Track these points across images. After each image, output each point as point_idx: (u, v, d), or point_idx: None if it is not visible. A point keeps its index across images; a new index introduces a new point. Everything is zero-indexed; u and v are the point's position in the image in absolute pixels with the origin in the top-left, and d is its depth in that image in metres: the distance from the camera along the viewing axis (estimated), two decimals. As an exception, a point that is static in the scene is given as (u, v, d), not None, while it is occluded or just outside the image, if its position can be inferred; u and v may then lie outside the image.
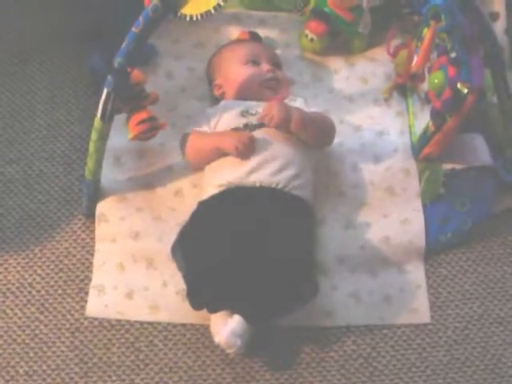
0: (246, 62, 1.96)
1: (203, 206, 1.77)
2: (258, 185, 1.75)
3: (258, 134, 1.81)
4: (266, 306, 1.65)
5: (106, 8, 2.04)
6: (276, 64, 2.00)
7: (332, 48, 2.16)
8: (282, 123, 1.78)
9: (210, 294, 1.65)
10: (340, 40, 2.15)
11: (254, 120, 1.83)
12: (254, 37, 2.10)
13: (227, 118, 1.86)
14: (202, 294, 1.65)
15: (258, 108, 1.86)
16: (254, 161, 1.77)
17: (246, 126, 1.83)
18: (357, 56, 2.16)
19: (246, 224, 1.69)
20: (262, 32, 2.14)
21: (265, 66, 1.96)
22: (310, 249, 1.75)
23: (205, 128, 1.88)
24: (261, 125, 1.82)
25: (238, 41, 2.08)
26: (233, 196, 1.75)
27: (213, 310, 1.66)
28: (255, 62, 1.97)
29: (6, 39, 2.19)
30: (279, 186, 1.75)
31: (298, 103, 1.93)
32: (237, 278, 1.63)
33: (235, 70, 1.96)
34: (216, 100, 1.98)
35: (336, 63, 2.15)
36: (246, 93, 1.92)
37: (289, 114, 1.79)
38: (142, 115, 1.81)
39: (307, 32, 2.13)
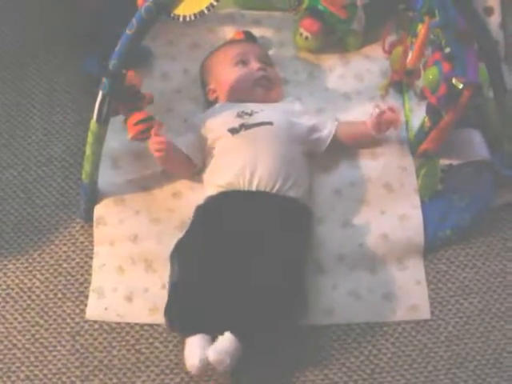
0: (236, 63, 1.97)
1: (199, 212, 1.78)
2: (254, 189, 1.76)
3: (255, 133, 1.83)
4: (254, 325, 1.64)
5: (101, 11, 2.04)
6: (266, 62, 2.00)
7: (327, 46, 2.16)
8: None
9: (193, 312, 1.64)
10: (335, 38, 2.15)
11: (249, 120, 1.84)
12: (249, 36, 2.10)
13: (223, 120, 1.87)
14: (181, 310, 1.64)
15: (254, 108, 1.87)
16: (250, 160, 1.78)
17: (242, 126, 1.83)
18: (352, 53, 2.16)
19: (239, 238, 1.70)
20: (257, 31, 2.14)
21: (254, 65, 1.96)
22: (303, 268, 1.73)
23: (189, 134, 1.89)
24: (257, 124, 1.83)
25: (227, 42, 2.08)
26: (229, 202, 1.76)
27: (189, 331, 1.63)
28: (244, 62, 1.97)
29: (2, 43, 2.19)
30: (275, 190, 1.76)
31: (296, 106, 1.94)
32: (225, 296, 1.63)
33: (226, 72, 1.97)
34: (210, 104, 1.99)
35: (331, 61, 2.15)
36: (239, 94, 1.93)
37: None
38: (140, 115, 1.81)
39: (302, 30, 2.13)
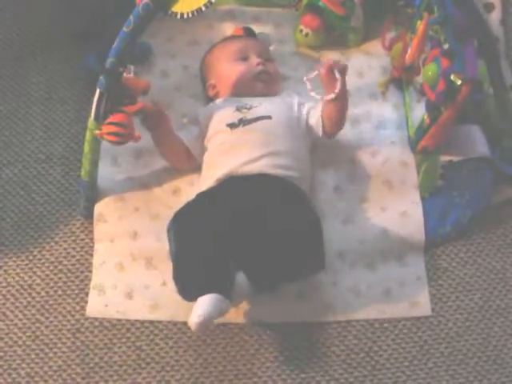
0: (236, 58, 1.97)
1: (201, 194, 1.78)
2: (255, 172, 1.76)
3: (254, 127, 1.82)
4: (272, 273, 1.65)
5: (100, 8, 2.04)
6: (266, 57, 2.00)
7: (327, 42, 2.16)
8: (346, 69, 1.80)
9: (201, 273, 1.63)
10: (335, 34, 2.14)
11: (248, 115, 1.84)
12: (249, 33, 2.09)
13: (223, 115, 1.87)
14: (190, 275, 1.64)
15: (252, 102, 1.88)
16: (250, 154, 1.78)
17: (241, 121, 1.84)
18: (352, 50, 2.16)
19: (245, 202, 1.69)
20: (257, 28, 2.13)
21: (254, 60, 1.96)
22: (317, 221, 1.72)
23: (191, 128, 1.90)
24: (256, 119, 1.83)
25: (227, 38, 2.08)
26: (230, 182, 1.76)
27: (198, 295, 1.60)
28: (245, 58, 1.97)
29: (2, 41, 2.19)
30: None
31: (295, 100, 1.93)
32: (240, 247, 1.64)
33: (226, 68, 1.97)
34: (210, 100, 1.98)
35: (331, 57, 2.12)
36: (239, 89, 1.93)
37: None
38: (117, 117, 1.74)
39: (302, 27, 2.13)
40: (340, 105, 1.83)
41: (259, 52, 1.99)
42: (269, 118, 1.84)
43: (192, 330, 1.57)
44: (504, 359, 1.72)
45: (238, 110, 1.86)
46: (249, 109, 1.86)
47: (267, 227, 1.65)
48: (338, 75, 1.78)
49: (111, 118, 1.73)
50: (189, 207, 1.73)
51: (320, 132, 1.88)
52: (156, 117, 1.82)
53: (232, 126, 1.83)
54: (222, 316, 1.60)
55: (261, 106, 1.87)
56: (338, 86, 1.78)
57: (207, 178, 1.81)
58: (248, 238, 1.65)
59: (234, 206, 1.70)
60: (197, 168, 1.89)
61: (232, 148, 1.80)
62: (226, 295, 1.59)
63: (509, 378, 1.69)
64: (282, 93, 1.99)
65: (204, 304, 1.56)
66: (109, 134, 1.73)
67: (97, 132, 1.74)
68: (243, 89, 1.93)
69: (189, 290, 1.65)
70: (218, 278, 1.62)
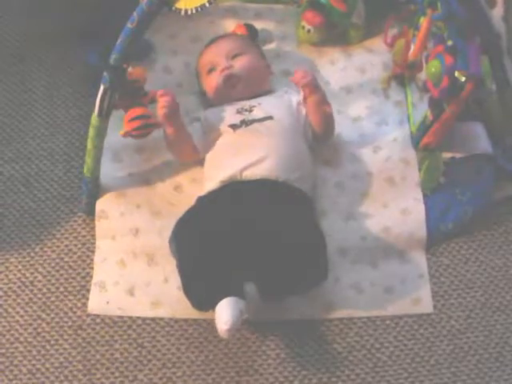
0: (207, 71, 1.96)
1: (201, 199, 1.77)
2: (258, 177, 1.75)
3: (256, 128, 1.82)
4: (274, 285, 1.66)
5: (102, 5, 2.04)
6: (236, 53, 1.95)
7: (329, 39, 2.15)
8: (313, 82, 1.84)
9: (209, 282, 1.63)
10: (337, 31, 2.14)
11: (249, 116, 1.84)
12: (251, 30, 2.09)
13: (224, 116, 1.87)
14: (198, 285, 1.64)
15: (252, 103, 1.88)
16: (253, 154, 1.78)
17: (243, 122, 1.83)
18: (354, 46, 2.15)
19: (246, 213, 1.69)
20: (259, 24, 2.13)
21: (219, 67, 1.93)
22: (320, 231, 1.72)
23: (195, 124, 1.91)
24: (258, 120, 1.83)
25: (203, 48, 2.03)
26: (232, 188, 1.75)
27: (212, 304, 1.61)
28: (214, 67, 1.94)
29: (4, 38, 2.19)
30: (280, 180, 1.75)
31: (295, 98, 1.92)
32: (242, 260, 1.64)
33: (204, 83, 1.97)
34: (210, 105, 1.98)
35: (333, 54, 2.14)
36: (221, 100, 1.93)
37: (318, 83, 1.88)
38: (137, 111, 1.79)
39: (304, 23, 2.12)
40: (314, 112, 1.86)
41: (226, 52, 1.95)
42: (270, 118, 1.84)
43: (223, 338, 1.58)
44: (506, 356, 1.72)
45: (239, 112, 1.86)
46: (250, 111, 1.86)
47: (268, 240, 1.65)
48: (300, 88, 1.86)
49: (132, 113, 1.77)
50: (187, 218, 1.72)
51: (308, 129, 1.89)
52: (174, 105, 1.81)
53: (234, 127, 1.83)
54: (243, 316, 1.59)
55: (260, 106, 1.87)
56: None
57: (210, 179, 1.81)
58: (250, 249, 1.65)
59: (234, 216, 1.69)
60: (198, 164, 1.89)
61: (235, 149, 1.80)
62: (240, 296, 1.60)
63: (511, 375, 1.69)
64: (280, 89, 1.97)
65: (225, 309, 1.57)
66: (135, 129, 1.77)
67: (121, 132, 1.78)
68: (226, 97, 1.92)
69: (203, 302, 1.66)
70: (227, 284, 1.62)
